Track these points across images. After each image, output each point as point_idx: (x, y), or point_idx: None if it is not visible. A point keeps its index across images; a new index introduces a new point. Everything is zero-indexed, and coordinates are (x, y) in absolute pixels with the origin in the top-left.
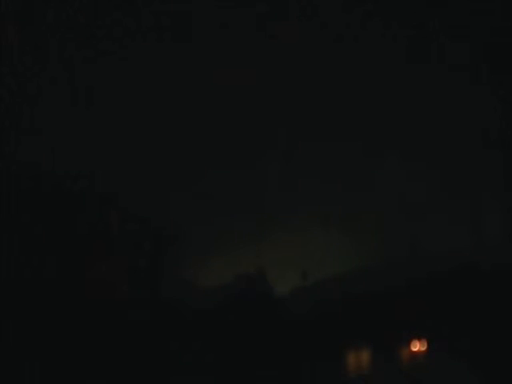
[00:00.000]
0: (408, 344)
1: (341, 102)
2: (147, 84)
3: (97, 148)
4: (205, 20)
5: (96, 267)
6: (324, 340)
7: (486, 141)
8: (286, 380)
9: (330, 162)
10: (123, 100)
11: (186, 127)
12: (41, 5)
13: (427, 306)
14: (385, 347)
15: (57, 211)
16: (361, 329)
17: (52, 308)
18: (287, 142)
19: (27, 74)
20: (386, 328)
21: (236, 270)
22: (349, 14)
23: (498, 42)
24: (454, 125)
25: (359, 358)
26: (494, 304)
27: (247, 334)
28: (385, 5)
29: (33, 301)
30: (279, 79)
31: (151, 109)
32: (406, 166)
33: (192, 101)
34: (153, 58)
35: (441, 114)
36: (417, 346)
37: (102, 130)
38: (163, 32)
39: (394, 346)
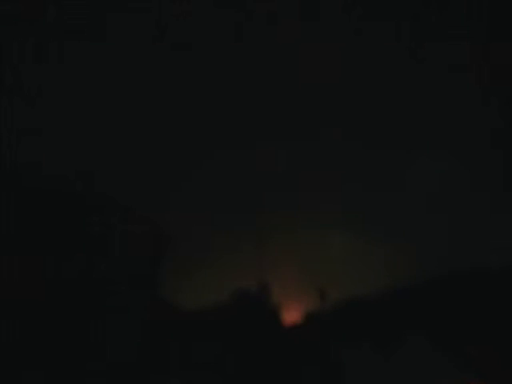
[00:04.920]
0: None
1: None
2: (147, 87)
3: (97, 149)
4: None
5: (95, 266)
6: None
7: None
8: None
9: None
10: (123, 101)
11: (186, 130)
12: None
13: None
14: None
15: (58, 211)
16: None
17: (53, 306)
18: (295, 139)
19: (27, 74)
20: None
21: (234, 283)
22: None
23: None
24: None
25: None
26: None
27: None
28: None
29: (31, 299)
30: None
31: (152, 110)
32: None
33: (191, 102)
34: (153, 61)
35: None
36: None
37: (103, 132)
38: (160, 34)
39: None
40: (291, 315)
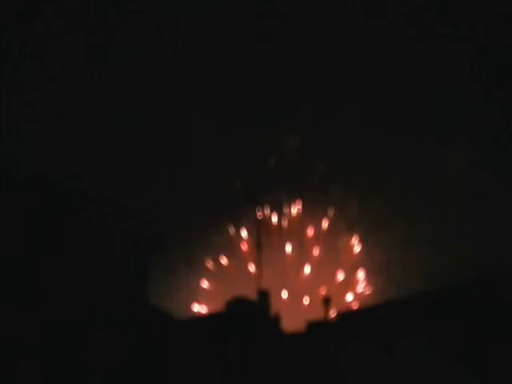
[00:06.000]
0: None
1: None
2: (147, 88)
3: (96, 150)
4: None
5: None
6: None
7: None
8: None
9: None
10: (123, 102)
11: (185, 131)
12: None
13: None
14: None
15: (57, 211)
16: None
17: (49, 306)
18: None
19: (27, 75)
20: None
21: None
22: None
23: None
24: None
25: None
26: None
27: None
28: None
29: (29, 298)
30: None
31: (152, 112)
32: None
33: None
34: (153, 62)
35: None
36: None
37: (102, 133)
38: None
39: None
40: (293, 322)
